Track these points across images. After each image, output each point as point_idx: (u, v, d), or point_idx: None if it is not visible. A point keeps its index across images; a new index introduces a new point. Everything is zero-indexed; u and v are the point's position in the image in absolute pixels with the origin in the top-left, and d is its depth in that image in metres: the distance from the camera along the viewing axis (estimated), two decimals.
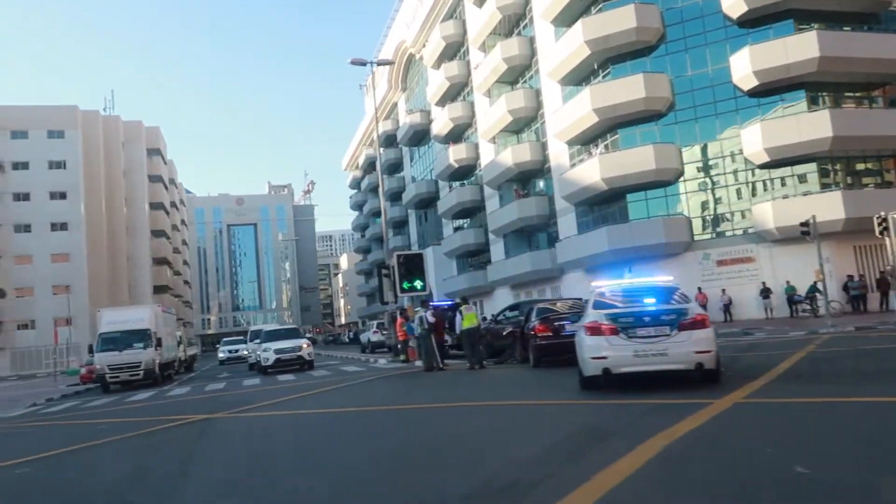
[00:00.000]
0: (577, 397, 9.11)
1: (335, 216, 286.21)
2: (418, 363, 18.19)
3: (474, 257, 48.75)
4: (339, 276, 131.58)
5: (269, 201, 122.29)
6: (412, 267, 18.70)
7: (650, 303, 9.04)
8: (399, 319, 19.96)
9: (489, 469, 5.34)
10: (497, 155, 41.61)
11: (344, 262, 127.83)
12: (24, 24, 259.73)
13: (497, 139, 42.66)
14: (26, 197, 58.98)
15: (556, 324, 13.89)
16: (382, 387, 14.67)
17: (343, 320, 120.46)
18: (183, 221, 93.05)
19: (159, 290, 70.71)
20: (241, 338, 43.18)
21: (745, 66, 27.43)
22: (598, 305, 9.30)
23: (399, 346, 20.18)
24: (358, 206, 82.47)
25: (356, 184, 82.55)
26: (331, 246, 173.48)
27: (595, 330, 8.77)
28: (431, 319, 16.36)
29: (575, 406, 8.61)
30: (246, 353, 36.94)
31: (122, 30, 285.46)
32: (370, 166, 74.76)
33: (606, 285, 10.28)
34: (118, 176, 67.25)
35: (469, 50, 46.67)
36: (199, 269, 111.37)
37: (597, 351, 8.70)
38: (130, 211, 68.61)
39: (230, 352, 37.76)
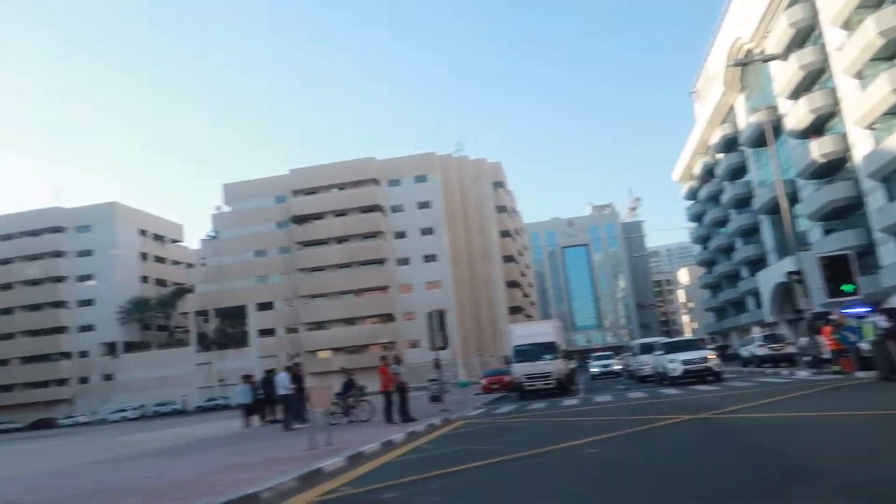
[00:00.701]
0: None
1: (659, 231, 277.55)
2: (859, 374, 16.78)
3: None
4: (681, 291, 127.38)
5: (598, 221, 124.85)
6: (838, 270, 17.45)
7: None
8: (827, 328, 18.63)
9: None
10: (880, 143, 36.69)
11: (684, 276, 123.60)
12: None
13: (877, 124, 37.66)
14: (402, 235, 70.39)
15: None
16: (856, 395, 13.29)
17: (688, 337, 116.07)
18: (525, 246, 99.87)
19: (513, 310, 76.71)
20: (609, 353, 45.15)
21: None
22: None
23: (831, 356, 18.71)
24: (696, 218, 79.36)
25: (692, 194, 79.67)
26: (657, 262, 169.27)
27: None
28: (885, 324, 15.01)
29: None
30: (618, 367, 38.55)
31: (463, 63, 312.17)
32: (707, 174, 71.65)
33: None
34: (471, 209, 75.59)
35: (822, 33, 42.25)
36: (537, 291, 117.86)
37: None
38: (483, 240, 76.30)
39: (602, 366, 39.35)
